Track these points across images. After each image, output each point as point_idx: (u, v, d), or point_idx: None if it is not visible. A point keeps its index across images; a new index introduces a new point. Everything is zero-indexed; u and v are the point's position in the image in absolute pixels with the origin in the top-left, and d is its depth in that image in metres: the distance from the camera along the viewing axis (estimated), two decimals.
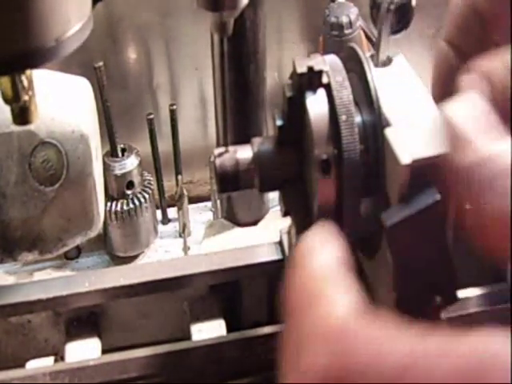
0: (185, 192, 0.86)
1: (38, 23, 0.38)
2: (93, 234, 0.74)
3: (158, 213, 0.90)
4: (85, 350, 0.72)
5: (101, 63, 0.76)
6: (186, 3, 0.84)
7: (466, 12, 0.45)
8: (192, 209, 0.91)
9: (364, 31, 0.78)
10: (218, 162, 0.45)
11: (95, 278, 0.72)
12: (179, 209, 0.87)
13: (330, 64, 0.43)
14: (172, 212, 0.92)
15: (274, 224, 0.86)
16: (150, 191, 0.84)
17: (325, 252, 0.32)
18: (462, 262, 0.42)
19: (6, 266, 0.83)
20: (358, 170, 0.41)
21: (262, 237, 0.84)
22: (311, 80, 0.42)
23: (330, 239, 0.33)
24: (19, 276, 0.83)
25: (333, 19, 0.76)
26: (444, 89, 0.46)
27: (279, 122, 0.44)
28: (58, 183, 0.69)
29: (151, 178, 0.86)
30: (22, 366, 0.72)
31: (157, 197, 0.89)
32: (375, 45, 0.46)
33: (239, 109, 0.79)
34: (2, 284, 0.76)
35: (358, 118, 0.42)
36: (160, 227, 0.91)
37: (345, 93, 0.41)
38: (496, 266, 0.66)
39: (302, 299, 0.30)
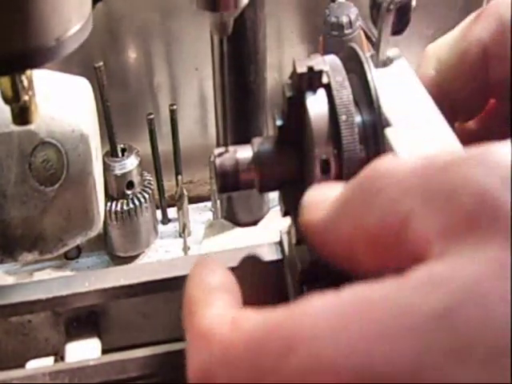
0: (185, 192, 0.86)
1: (38, 23, 0.38)
2: (93, 233, 0.74)
3: (158, 213, 0.90)
4: (85, 350, 0.72)
5: (101, 63, 0.76)
6: (186, 3, 0.84)
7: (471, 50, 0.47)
8: (192, 209, 0.91)
9: (364, 31, 0.78)
10: (217, 161, 0.45)
11: (95, 278, 0.71)
12: (179, 209, 0.87)
13: (330, 64, 0.42)
14: (172, 212, 0.92)
15: (274, 224, 0.86)
16: (150, 191, 0.84)
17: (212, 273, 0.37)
18: None
19: (5, 266, 0.83)
20: (358, 170, 0.41)
21: (262, 237, 0.84)
22: (311, 80, 0.42)
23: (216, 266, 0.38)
24: (19, 276, 0.83)
25: (333, 19, 0.76)
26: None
27: (279, 122, 0.44)
28: (58, 183, 0.69)
29: (151, 178, 0.86)
30: (22, 365, 0.72)
31: (157, 197, 0.89)
32: (375, 45, 0.46)
33: (239, 109, 0.79)
34: (2, 284, 0.76)
35: (358, 118, 0.41)
36: (160, 227, 0.91)
37: (345, 93, 0.41)
38: None
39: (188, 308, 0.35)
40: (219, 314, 0.33)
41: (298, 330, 0.27)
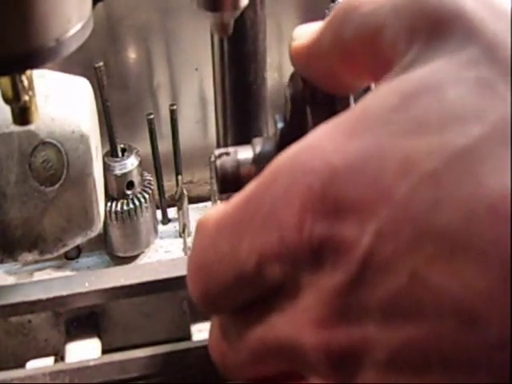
0: (185, 192, 0.86)
1: (38, 23, 0.38)
2: (93, 234, 0.74)
3: (158, 213, 0.90)
4: (85, 350, 0.72)
5: (101, 63, 0.76)
6: (186, 3, 0.84)
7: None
8: (192, 209, 0.91)
9: None
10: (218, 162, 0.45)
11: (95, 278, 0.71)
12: (179, 209, 0.87)
13: None
14: (172, 212, 0.92)
15: None
16: (150, 191, 0.84)
17: None
18: None
19: (5, 266, 0.83)
20: None
21: None
22: None
23: None
24: (19, 276, 0.83)
25: None
26: None
27: (280, 124, 0.44)
28: (58, 183, 0.69)
29: (151, 178, 0.86)
30: (22, 366, 0.72)
31: (157, 197, 0.89)
32: None
33: (239, 109, 0.79)
34: (2, 284, 0.76)
35: None
36: (160, 227, 0.90)
37: None
38: None
39: None
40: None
41: (276, 169, 0.28)
